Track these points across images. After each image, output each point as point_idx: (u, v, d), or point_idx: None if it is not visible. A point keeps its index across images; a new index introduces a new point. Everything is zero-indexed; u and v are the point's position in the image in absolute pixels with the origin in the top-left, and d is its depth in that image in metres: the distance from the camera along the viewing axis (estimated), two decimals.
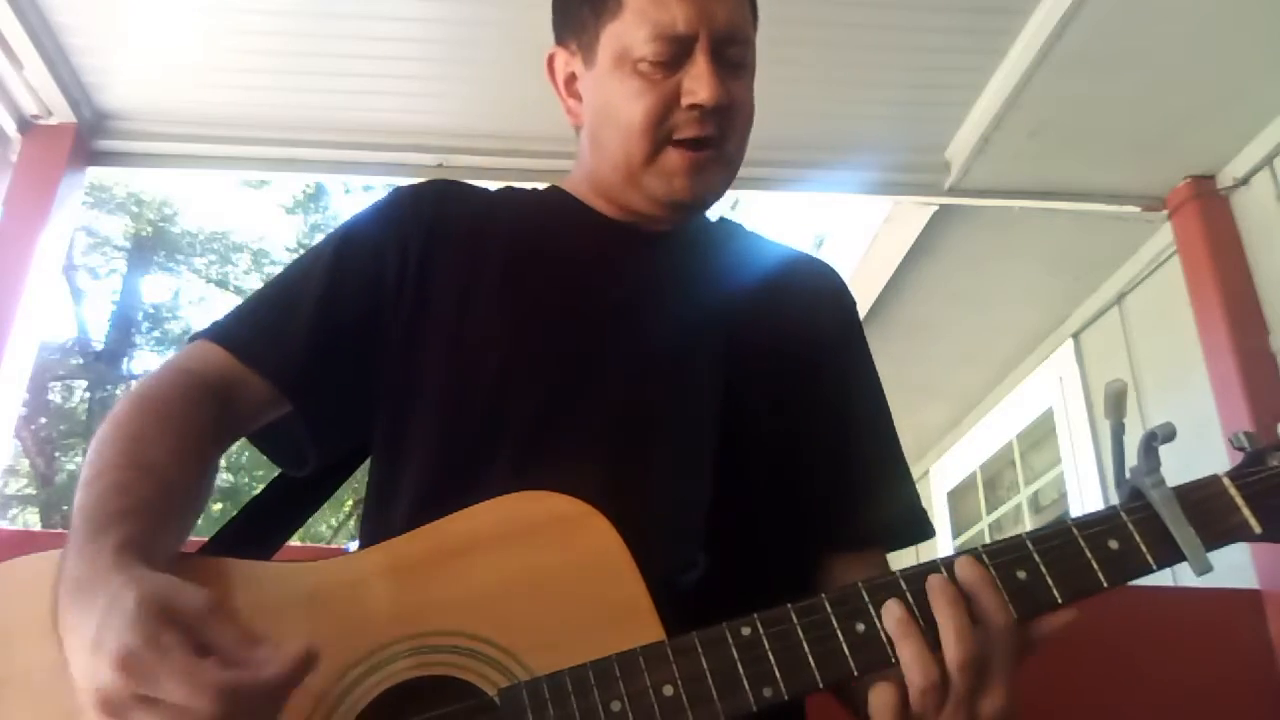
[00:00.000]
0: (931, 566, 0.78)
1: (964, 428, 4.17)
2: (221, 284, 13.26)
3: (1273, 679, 1.96)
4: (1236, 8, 2.05)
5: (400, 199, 1.07)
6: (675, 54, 0.97)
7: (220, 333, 0.98)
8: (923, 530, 1.06)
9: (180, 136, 2.41)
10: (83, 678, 0.67)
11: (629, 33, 0.98)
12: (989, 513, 4.14)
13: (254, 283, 13.24)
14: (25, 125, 2.30)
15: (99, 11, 2.11)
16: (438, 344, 0.97)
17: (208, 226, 13.11)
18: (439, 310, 0.98)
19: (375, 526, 0.95)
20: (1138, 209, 2.63)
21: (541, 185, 1.15)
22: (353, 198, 13.23)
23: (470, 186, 1.11)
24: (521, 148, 2.42)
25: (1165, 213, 2.61)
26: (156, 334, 13.27)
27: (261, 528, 1.02)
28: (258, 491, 1.06)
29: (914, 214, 3.04)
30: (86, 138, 2.35)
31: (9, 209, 2.24)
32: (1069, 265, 3.16)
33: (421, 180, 1.10)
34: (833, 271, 1.17)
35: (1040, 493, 3.79)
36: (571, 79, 1.08)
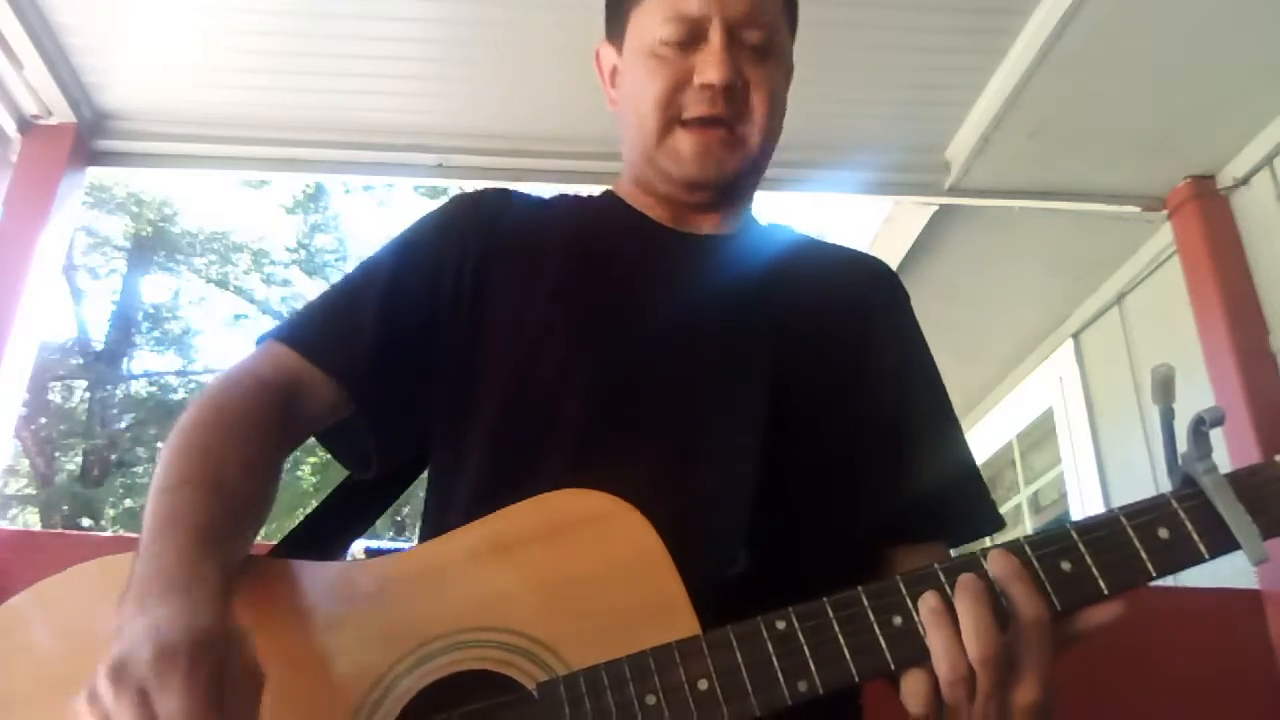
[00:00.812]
0: (971, 558, 0.77)
1: (964, 427, 4.17)
2: (221, 284, 13.27)
3: (1273, 679, 1.96)
4: (1236, 8, 2.05)
5: (459, 206, 1.09)
6: (690, 35, 1.01)
7: (288, 333, 1.00)
8: (989, 520, 1.05)
9: (180, 136, 2.41)
10: (119, 645, 0.69)
11: (649, 17, 1.03)
12: None
13: (254, 283, 13.28)
14: (25, 125, 2.30)
15: (99, 11, 2.11)
16: (494, 349, 0.99)
17: (208, 226, 13.13)
18: (496, 316, 1.00)
19: (433, 528, 0.96)
20: (1138, 209, 2.62)
21: (565, 190, 1.18)
22: (353, 198, 13.27)
23: (525, 195, 1.13)
24: (522, 148, 2.42)
25: (1165, 213, 2.61)
26: (156, 334, 13.28)
27: (325, 534, 1.03)
28: (322, 500, 1.07)
29: (914, 214, 3.03)
30: (86, 138, 2.35)
31: (9, 209, 2.24)
32: (1069, 265, 3.16)
33: (480, 188, 1.12)
34: (884, 265, 1.18)
35: (1040, 493, 3.79)
36: (615, 71, 1.12)
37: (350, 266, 1.13)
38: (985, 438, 4.05)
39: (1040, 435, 3.71)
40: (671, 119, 1.02)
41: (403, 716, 0.77)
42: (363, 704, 0.77)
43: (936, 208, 2.89)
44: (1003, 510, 4.08)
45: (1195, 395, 2.40)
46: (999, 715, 0.73)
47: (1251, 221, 2.46)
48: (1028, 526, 3.87)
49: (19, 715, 0.79)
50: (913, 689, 0.73)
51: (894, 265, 3.22)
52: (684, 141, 1.02)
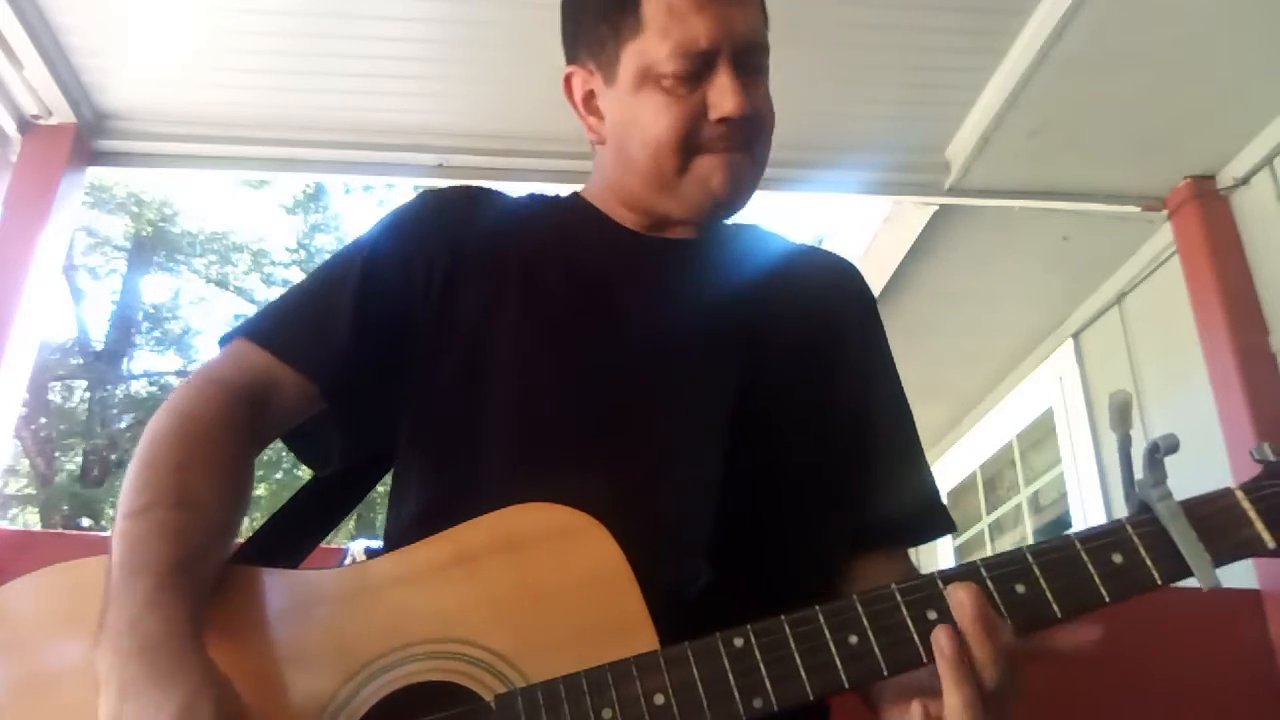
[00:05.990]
0: (929, 584, 0.77)
1: (964, 428, 4.17)
2: (221, 284, 13.27)
3: (1273, 679, 1.96)
4: (1236, 8, 2.05)
5: (427, 206, 1.07)
6: (698, 69, 0.98)
7: (256, 331, 1.00)
8: (943, 524, 1.07)
9: (180, 136, 2.40)
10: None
11: (651, 50, 0.98)
12: (989, 513, 4.14)
13: (254, 283, 13.27)
14: (25, 125, 2.30)
15: (99, 11, 2.11)
16: (461, 354, 0.98)
17: (208, 226, 13.14)
18: (463, 320, 0.99)
19: (396, 539, 0.96)
20: (1138, 209, 2.63)
21: (563, 191, 1.16)
22: (353, 198, 13.27)
23: (494, 194, 1.11)
24: (521, 148, 2.42)
25: (1165, 213, 2.61)
26: (156, 334, 13.29)
27: (289, 535, 1.03)
28: (285, 502, 1.07)
29: (914, 214, 3.03)
30: (86, 138, 2.35)
31: (9, 209, 2.24)
32: (1069, 265, 3.16)
33: (447, 186, 1.10)
34: (852, 267, 1.18)
35: (1040, 493, 3.79)
36: (590, 96, 1.07)
37: None
38: (985, 438, 4.05)
39: (1040, 435, 3.71)
40: (691, 152, 1.00)
41: None
42: (321, 714, 0.77)
43: (936, 208, 2.89)
44: (1003, 510, 4.10)
45: (1195, 395, 2.40)
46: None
47: (1251, 221, 2.46)
48: (1028, 526, 3.87)
49: None
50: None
51: (894, 265, 3.24)
52: (710, 164, 1.00)
